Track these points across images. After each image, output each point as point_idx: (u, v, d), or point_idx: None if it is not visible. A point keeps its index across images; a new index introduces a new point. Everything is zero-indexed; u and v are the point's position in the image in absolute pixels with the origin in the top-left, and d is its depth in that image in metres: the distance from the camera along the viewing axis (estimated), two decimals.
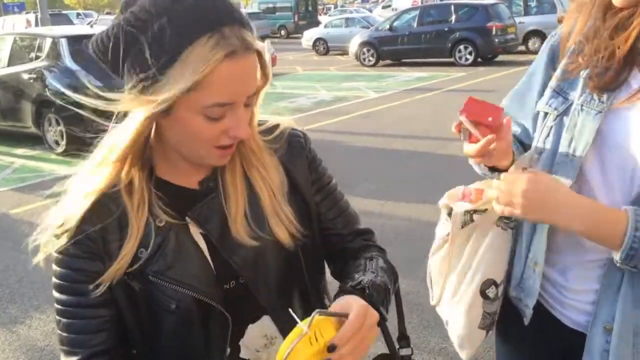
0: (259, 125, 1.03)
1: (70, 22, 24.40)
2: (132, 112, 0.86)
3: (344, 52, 18.29)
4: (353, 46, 16.66)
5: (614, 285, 1.05)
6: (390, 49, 16.03)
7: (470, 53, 14.63)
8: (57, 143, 7.60)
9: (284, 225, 0.97)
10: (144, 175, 0.92)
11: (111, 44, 0.83)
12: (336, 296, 0.91)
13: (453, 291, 1.25)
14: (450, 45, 14.88)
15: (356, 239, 1.09)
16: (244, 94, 0.87)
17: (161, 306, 0.91)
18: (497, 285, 1.22)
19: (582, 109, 1.07)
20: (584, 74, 1.08)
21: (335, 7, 48.70)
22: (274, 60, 14.38)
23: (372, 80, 13.42)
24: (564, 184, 1.04)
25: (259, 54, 0.87)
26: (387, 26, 16.36)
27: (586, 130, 1.05)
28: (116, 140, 0.89)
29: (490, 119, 1.02)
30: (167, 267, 0.91)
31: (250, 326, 1.00)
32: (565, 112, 1.10)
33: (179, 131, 0.88)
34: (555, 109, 1.12)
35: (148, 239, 0.91)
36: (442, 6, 16.59)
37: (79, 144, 0.95)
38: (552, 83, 1.15)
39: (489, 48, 14.58)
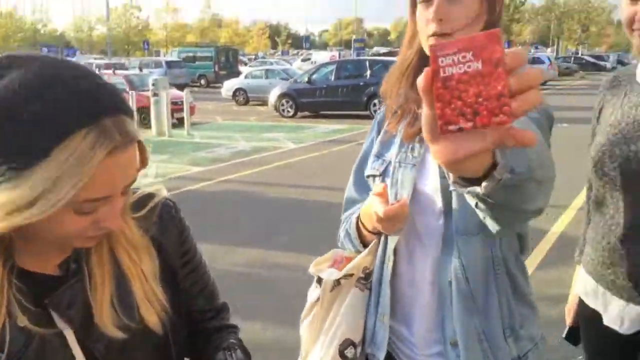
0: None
1: None
2: None
3: (264, 103, 18.51)
4: (272, 97, 16.93)
5: (446, 304, 1.17)
6: (309, 101, 16.43)
7: None
8: None
9: (155, 311, 0.92)
10: (4, 269, 0.81)
11: None
12: None
13: (318, 353, 1.30)
14: (365, 98, 15.47)
15: (215, 318, 1.09)
16: (122, 186, 0.80)
17: None
18: (355, 346, 1.28)
19: (399, 166, 1.23)
20: (397, 138, 1.25)
21: (256, 58, 49.55)
22: (192, 110, 14.30)
23: (291, 131, 13.64)
24: None
25: (140, 143, 0.81)
26: (306, 79, 16.82)
27: (406, 182, 1.21)
28: None
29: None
30: None
31: None
32: (385, 171, 1.26)
33: (43, 224, 0.76)
34: (377, 170, 1.28)
35: (5, 341, 0.81)
36: (358, 61, 17.33)
37: None
38: (374, 150, 1.31)
39: None
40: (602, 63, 40.00)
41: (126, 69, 24.76)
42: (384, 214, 1.13)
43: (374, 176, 1.29)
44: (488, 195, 0.76)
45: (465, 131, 0.57)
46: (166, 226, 0.99)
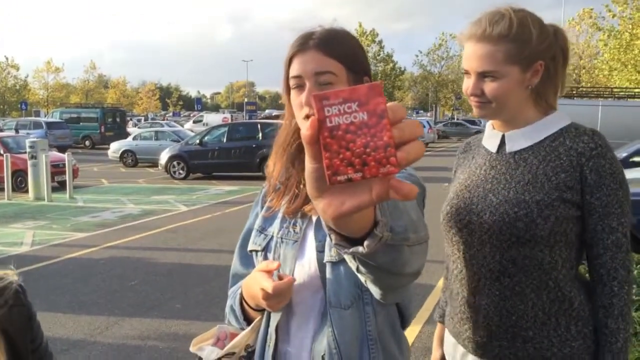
0: None
1: None
2: None
3: (154, 165, 18.03)
4: (163, 159, 16.57)
5: None
6: (201, 163, 16.27)
7: None
8: None
9: None
10: None
11: None
12: None
13: None
14: (258, 160, 15.59)
15: None
16: None
17: None
18: None
19: (282, 241, 1.26)
20: (279, 213, 1.28)
21: (146, 119, 48.48)
22: (75, 172, 13.58)
23: (183, 193, 13.34)
24: None
25: None
26: (198, 140, 16.68)
27: (288, 258, 1.24)
28: None
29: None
30: None
31: None
32: (267, 246, 1.27)
33: None
34: (259, 245, 1.29)
35: None
36: (250, 124, 17.59)
37: None
38: (257, 224, 1.33)
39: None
40: (474, 127, 43.64)
41: (1, 130, 23.14)
42: (273, 290, 1.11)
43: (256, 251, 1.31)
44: (369, 256, 0.76)
45: (352, 183, 0.57)
46: (15, 314, 0.96)
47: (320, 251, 1.19)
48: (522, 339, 1.39)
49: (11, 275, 0.96)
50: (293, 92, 1.21)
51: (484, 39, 1.38)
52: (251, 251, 1.32)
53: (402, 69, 48.94)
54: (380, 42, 45.86)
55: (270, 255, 1.26)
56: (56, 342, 4.40)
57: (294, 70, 1.19)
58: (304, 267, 1.22)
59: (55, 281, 6.20)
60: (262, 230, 1.31)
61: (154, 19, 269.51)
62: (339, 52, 1.19)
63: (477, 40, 1.39)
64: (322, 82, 1.17)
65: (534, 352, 1.39)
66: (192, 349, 1.26)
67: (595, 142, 1.37)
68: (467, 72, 1.44)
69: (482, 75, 1.40)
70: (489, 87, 1.39)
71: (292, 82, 1.20)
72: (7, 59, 53.03)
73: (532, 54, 1.38)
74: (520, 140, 1.45)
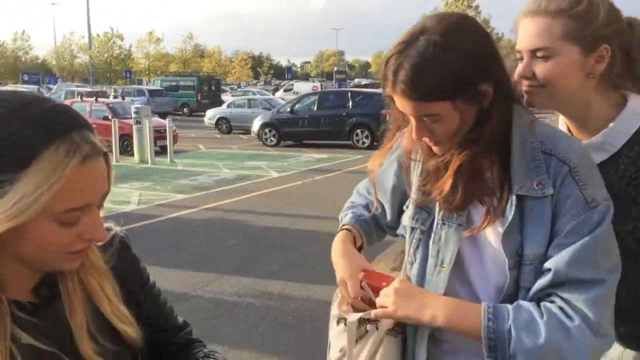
0: None
1: None
2: None
3: (247, 132, 18.58)
4: (255, 126, 17.04)
5: None
6: (292, 131, 16.56)
7: (366, 137, 15.43)
8: None
9: (127, 328, 0.95)
10: None
11: None
12: None
13: None
14: (348, 129, 15.64)
15: (178, 336, 1.11)
16: (98, 195, 0.85)
17: None
18: None
19: (444, 223, 1.15)
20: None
21: (239, 87, 49.82)
22: (175, 138, 14.30)
23: (274, 160, 13.69)
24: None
25: (106, 155, 0.85)
26: (289, 109, 16.97)
27: (450, 242, 1.14)
28: None
29: (384, 284, 1.17)
30: None
31: None
32: (431, 227, 1.18)
33: (28, 241, 0.80)
34: (422, 224, 1.19)
35: None
36: (340, 92, 17.56)
37: None
38: (415, 196, 1.21)
39: (383, 133, 15.46)
40: None
41: (108, 97, 24.73)
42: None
43: (414, 228, 1.21)
44: None
45: None
46: (125, 256, 1.03)
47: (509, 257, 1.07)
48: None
49: (114, 227, 1.06)
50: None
51: (540, 13, 1.22)
52: (411, 227, 1.22)
53: (500, 35, 46.69)
54: (476, 7, 43.89)
55: (432, 234, 1.17)
56: None
57: (397, 104, 1.13)
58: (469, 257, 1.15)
59: (160, 238, 6.64)
60: (424, 206, 1.20)
61: None
62: (435, 93, 1.04)
63: (532, 16, 1.24)
64: (430, 122, 1.09)
65: None
66: (335, 312, 1.24)
67: None
68: (519, 56, 1.28)
69: (534, 54, 1.23)
70: (541, 67, 1.22)
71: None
72: (112, 29, 56.32)
73: (595, 34, 1.20)
74: (596, 152, 1.24)
